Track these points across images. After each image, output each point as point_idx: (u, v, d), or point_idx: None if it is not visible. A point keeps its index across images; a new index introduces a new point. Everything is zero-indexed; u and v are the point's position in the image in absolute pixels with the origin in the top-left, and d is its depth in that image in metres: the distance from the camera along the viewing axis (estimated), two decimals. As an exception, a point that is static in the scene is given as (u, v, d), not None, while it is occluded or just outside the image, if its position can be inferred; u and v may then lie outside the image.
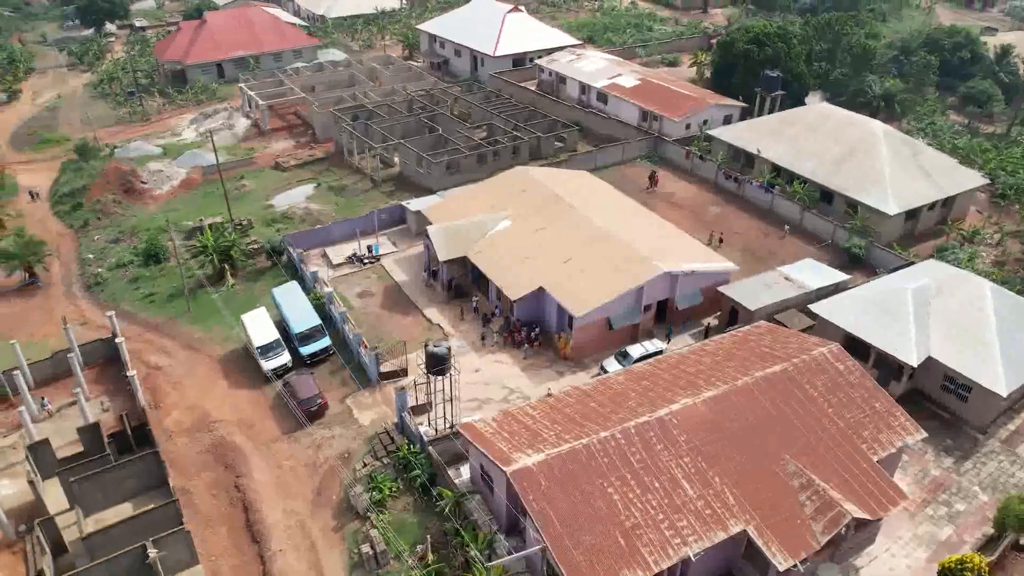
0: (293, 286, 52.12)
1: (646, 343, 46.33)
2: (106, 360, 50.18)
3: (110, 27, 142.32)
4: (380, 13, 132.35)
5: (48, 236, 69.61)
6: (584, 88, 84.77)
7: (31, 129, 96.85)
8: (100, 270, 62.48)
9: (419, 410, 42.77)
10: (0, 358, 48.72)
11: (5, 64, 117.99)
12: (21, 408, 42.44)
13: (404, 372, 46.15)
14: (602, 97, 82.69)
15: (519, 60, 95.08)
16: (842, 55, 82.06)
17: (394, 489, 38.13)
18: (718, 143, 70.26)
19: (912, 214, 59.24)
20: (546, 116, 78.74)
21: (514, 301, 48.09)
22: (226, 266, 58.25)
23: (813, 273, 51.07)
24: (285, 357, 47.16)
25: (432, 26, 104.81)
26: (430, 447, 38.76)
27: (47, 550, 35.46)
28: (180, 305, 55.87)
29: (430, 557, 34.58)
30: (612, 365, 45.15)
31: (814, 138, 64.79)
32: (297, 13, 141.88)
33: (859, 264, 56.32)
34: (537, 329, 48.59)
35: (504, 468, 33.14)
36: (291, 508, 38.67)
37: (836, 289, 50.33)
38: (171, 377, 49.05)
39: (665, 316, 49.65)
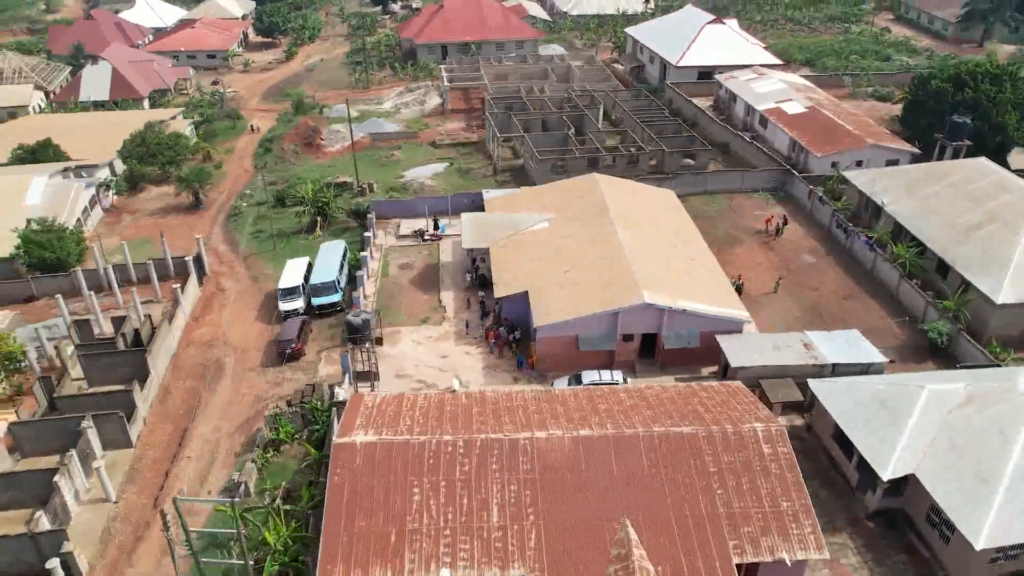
0: (337, 244, 57.05)
1: (604, 372, 43.43)
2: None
3: (394, 6, 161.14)
4: (620, 15, 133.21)
5: (238, 171, 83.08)
6: (749, 109, 78.48)
7: (284, 85, 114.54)
8: (243, 203, 73.33)
9: (367, 376, 45.01)
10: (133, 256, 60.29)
11: (298, 30, 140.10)
12: (90, 292, 52.62)
13: (380, 340, 48.52)
14: (763, 121, 75.96)
15: (707, 73, 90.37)
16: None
17: (293, 435, 40.98)
18: (852, 188, 61.27)
19: (1045, 311, 46.93)
20: (689, 132, 74.62)
21: (498, 299, 47.89)
22: (318, 219, 65.22)
23: (844, 346, 43.34)
24: (299, 303, 52.10)
25: (636, 30, 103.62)
26: (333, 408, 40.86)
27: (41, 402, 44.24)
28: (271, 243, 63.80)
29: (278, 502, 36.93)
30: (561, 386, 43.14)
31: (952, 198, 53.72)
32: (551, 9, 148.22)
33: (939, 354, 46.30)
34: (517, 332, 47.85)
35: (335, 440, 34.35)
36: (220, 427, 43.49)
37: (865, 370, 42.31)
38: (225, 300, 56.81)
39: (654, 352, 45.82)
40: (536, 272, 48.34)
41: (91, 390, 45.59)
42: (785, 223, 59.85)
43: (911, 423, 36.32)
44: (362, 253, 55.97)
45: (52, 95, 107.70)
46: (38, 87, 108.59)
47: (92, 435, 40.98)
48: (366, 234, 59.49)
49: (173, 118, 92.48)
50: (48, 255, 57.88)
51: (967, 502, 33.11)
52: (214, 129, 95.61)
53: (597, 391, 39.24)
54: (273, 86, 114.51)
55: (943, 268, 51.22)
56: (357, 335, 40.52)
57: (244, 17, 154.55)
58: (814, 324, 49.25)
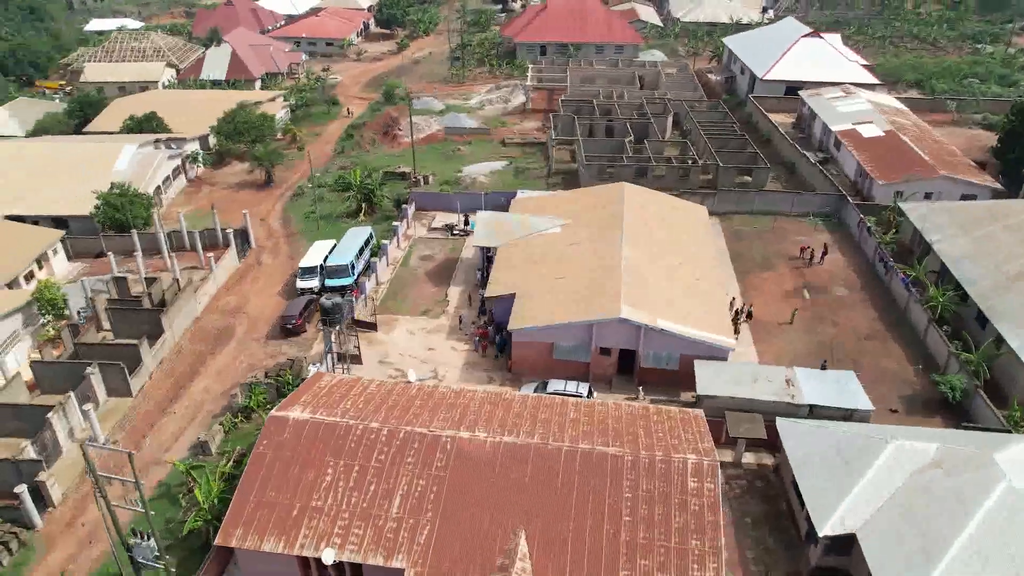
0: (363, 230, 59.19)
1: (571, 384, 42.69)
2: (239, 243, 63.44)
3: (514, 5, 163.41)
4: (734, 23, 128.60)
5: (319, 154, 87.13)
6: (825, 129, 73.86)
7: (388, 75, 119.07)
8: (308, 185, 77.25)
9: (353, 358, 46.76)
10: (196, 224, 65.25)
11: (415, 23, 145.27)
12: (137, 252, 57.49)
13: (374, 326, 50.10)
14: (837, 143, 71.30)
15: (795, 88, 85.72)
16: None
17: (264, 404, 43.19)
18: (908, 221, 56.48)
19: (1088, 377, 41.50)
20: (753, 149, 71.29)
21: (486, 298, 48.18)
22: (363, 204, 67.86)
23: (830, 388, 40.28)
24: (315, 282, 54.60)
25: (732, 40, 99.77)
26: (301, 382, 42.68)
27: (68, 346, 49.01)
28: (317, 224, 67.02)
29: (228, 466, 39.17)
30: (527, 392, 42.82)
31: (1007, 241, 48.34)
32: (667, 15, 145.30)
33: (950, 410, 42.10)
34: (504, 332, 47.87)
35: (272, 412, 36.08)
36: (210, 388, 46.56)
37: (848, 416, 39.23)
38: (259, 273, 60.36)
39: (633, 371, 44.55)
40: (530, 276, 48.20)
41: (114, 341, 49.94)
42: (825, 252, 56.11)
43: (866, 478, 33.47)
44: (384, 241, 57.84)
45: (180, 73, 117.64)
46: (171, 65, 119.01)
47: (96, 380, 45.08)
48: (394, 223, 61.33)
49: (272, 100, 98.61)
50: (118, 216, 63.70)
51: (902, 572, 30.17)
52: (310, 113, 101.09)
53: (546, 400, 38.77)
54: (378, 76, 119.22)
55: (984, 318, 46.33)
56: (328, 317, 42.10)
57: (370, 8, 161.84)
58: (819, 364, 46.02)
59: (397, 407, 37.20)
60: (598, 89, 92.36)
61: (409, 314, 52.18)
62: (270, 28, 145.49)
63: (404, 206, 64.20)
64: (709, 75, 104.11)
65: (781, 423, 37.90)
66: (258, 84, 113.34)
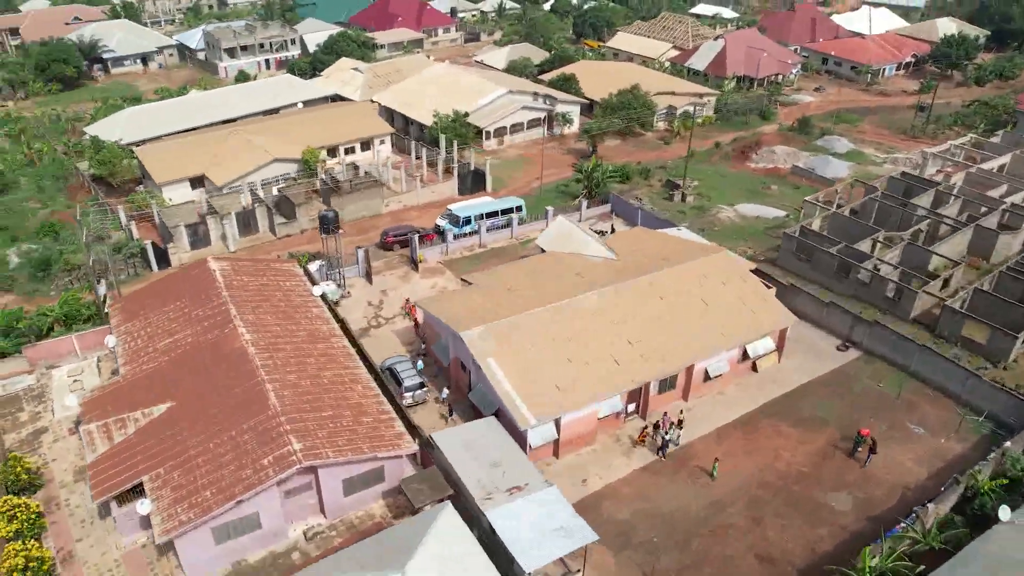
0: (513, 201, 63.18)
1: (408, 372, 42.59)
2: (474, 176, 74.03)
3: None
4: None
5: (673, 154, 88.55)
6: None
7: (855, 111, 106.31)
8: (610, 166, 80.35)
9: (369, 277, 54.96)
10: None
11: (978, 69, 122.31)
12: (418, 159, 73.23)
13: (416, 267, 56.14)
14: None
15: None
16: None
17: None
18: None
19: None
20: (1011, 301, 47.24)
21: (461, 279, 49.22)
22: (585, 190, 70.10)
23: (536, 528, 31.65)
24: (444, 222, 61.96)
25: None
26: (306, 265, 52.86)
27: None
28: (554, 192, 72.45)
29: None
30: (389, 362, 44.36)
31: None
32: None
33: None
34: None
35: (209, 256, 47.98)
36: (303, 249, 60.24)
37: (507, 569, 30.96)
38: (458, 207, 70.24)
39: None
40: (509, 275, 47.25)
41: (310, 202, 66.90)
42: (872, 451, 37.72)
43: None
44: (516, 216, 61.25)
45: (676, 57, 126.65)
46: (677, 47, 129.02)
47: (260, 216, 63.48)
48: (548, 208, 63.03)
49: (700, 96, 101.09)
50: (432, 133, 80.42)
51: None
52: (730, 118, 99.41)
53: (347, 359, 41.14)
54: (852, 109, 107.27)
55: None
56: (324, 225, 50.86)
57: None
58: (681, 554, 34.65)
59: (266, 299, 44.92)
60: (1005, 183, 68.77)
61: (455, 274, 55.88)
62: (817, 40, 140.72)
63: (581, 199, 64.71)
64: None
65: (436, 508, 32.46)
66: (729, 82, 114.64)
